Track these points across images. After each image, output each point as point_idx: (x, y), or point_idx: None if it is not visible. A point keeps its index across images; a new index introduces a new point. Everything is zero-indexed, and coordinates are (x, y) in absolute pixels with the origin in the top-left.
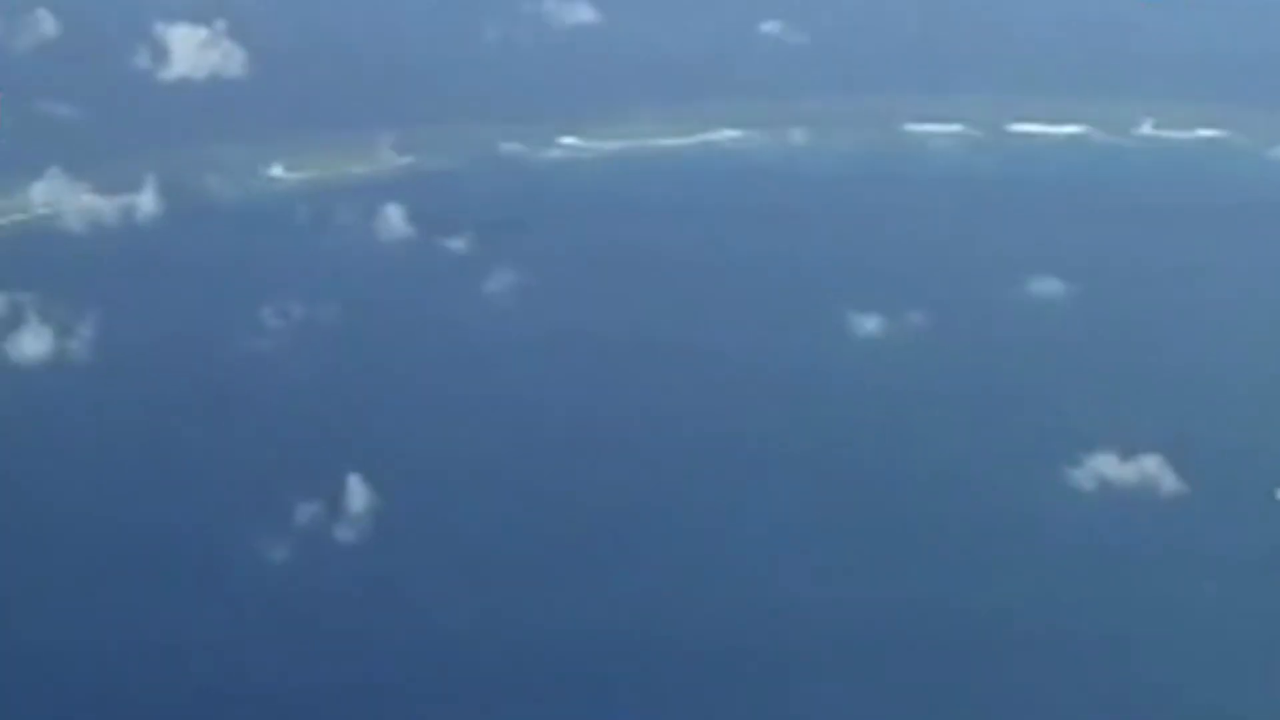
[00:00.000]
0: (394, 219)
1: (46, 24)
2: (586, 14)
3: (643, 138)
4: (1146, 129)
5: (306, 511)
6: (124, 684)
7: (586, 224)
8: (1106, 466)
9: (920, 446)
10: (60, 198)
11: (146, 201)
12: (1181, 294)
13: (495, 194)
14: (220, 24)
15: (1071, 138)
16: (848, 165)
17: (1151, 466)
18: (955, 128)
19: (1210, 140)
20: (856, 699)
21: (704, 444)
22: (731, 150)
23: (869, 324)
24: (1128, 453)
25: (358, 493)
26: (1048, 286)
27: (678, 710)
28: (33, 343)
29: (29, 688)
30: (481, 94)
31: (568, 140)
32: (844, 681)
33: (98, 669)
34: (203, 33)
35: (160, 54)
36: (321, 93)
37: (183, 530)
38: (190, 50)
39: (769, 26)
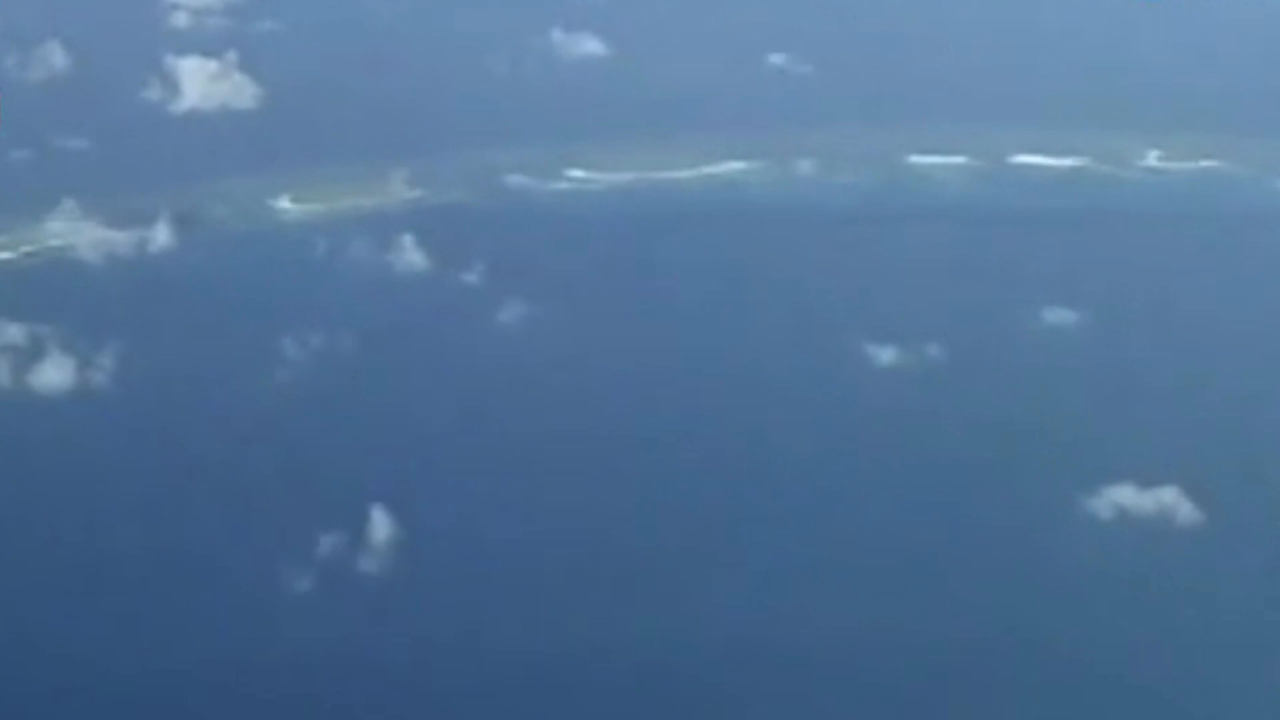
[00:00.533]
0: (407, 251)
1: (56, 57)
2: (594, 46)
3: (649, 170)
4: (1150, 160)
5: (329, 542)
6: (146, 715)
7: (595, 256)
8: (1124, 496)
9: (939, 476)
10: (75, 230)
11: (161, 233)
12: (1192, 324)
13: (504, 227)
14: (231, 56)
15: (1075, 170)
16: (853, 196)
17: (1169, 497)
18: (959, 160)
19: (1213, 171)
20: None
21: (722, 475)
22: (738, 182)
23: (885, 355)
24: (1145, 483)
25: (380, 523)
26: (1061, 317)
27: None
28: (55, 374)
29: (48, 717)
30: (489, 126)
31: (574, 172)
32: (859, 710)
33: (120, 699)
34: (213, 65)
35: (171, 86)
36: (330, 125)
37: (206, 561)
38: (201, 82)
39: (776, 58)
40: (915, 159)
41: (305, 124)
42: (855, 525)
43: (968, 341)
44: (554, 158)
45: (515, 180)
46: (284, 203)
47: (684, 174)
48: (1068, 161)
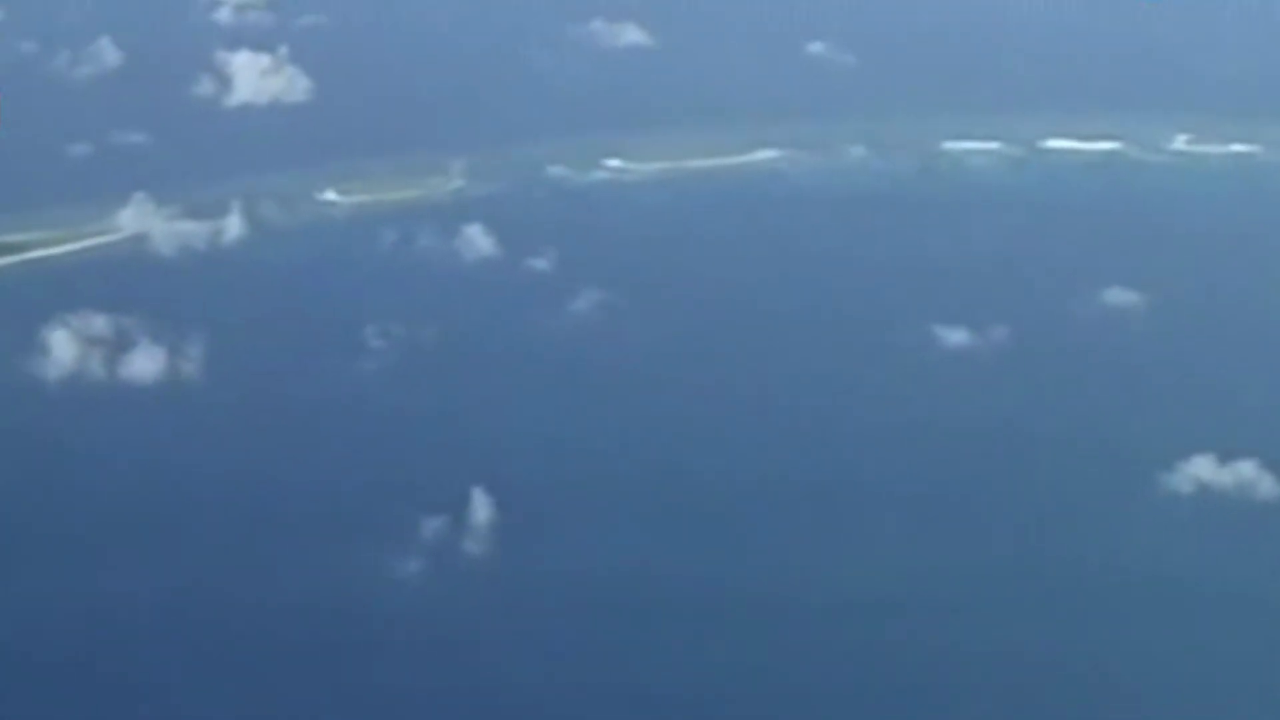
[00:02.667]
0: (475, 240)
1: (109, 54)
2: (635, 36)
3: (690, 158)
4: (1179, 145)
5: (432, 526)
6: (262, 698)
7: (655, 243)
8: (1204, 471)
9: (1019, 453)
10: (148, 222)
11: (233, 225)
12: (1249, 303)
13: (557, 216)
14: (283, 51)
15: (1106, 154)
16: (895, 183)
17: (1248, 470)
18: (992, 145)
19: (1245, 155)
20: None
21: (802, 453)
22: (778, 170)
23: (955, 337)
24: (1224, 457)
25: (481, 506)
26: (1121, 297)
27: None
28: (146, 364)
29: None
30: (531, 117)
31: (614, 162)
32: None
33: (232, 685)
34: (264, 60)
35: (223, 81)
36: (377, 119)
37: (313, 546)
38: (252, 77)
39: (815, 47)
40: (949, 145)
41: (354, 118)
42: (933, 504)
43: (1034, 323)
44: (596, 148)
45: (558, 170)
46: (344, 195)
47: (724, 162)
48: (1099, 146)
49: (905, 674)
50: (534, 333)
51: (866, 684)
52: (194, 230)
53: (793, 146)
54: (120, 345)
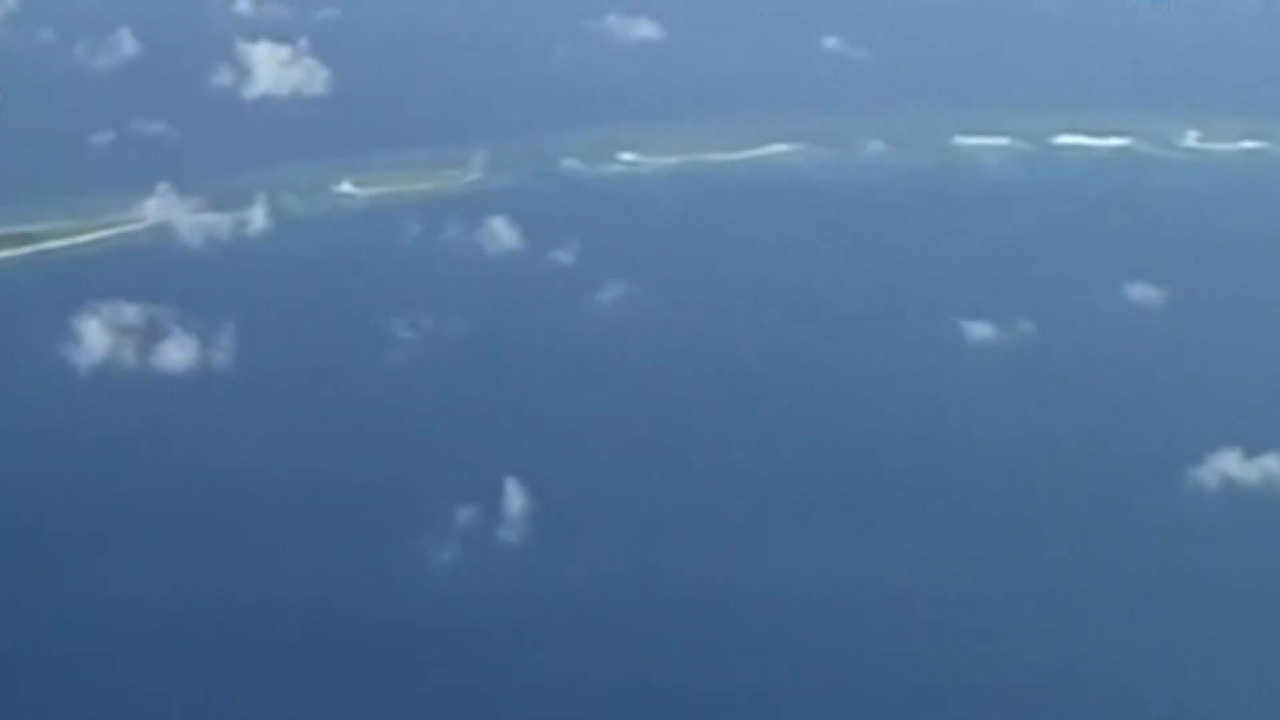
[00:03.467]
0: (500, 232)
1: (128, 44)
2: (649, 31)
3: (704, 152)
4: (1190, 141)
5: (466, 515)
6: (300, 686)
7: (676, 236)
8: (1230, 465)
9: (1045, 447)
10: (173, 213)
11: (258, 216)
12: (1265, 296)
13: (575, 209)
14: (303, 42)
15: (1117, 150)
16: (908, 177)
17: (1275, 465)
18: (1003, 141)
19: (1256, 152)
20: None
21: (823, 448)
22: (792, 164)
23: (979, 330)
24: (1250, 452)
25: (515, 495)
26: (1145, 293)
27: None
28: (178, 354)
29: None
30: (545, 111)
31: (628, 156)
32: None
33: (265, 673)
34: (284, 51)
35: (242, 72)
36: (395, 112)
37: (347, 536)
38: (272, 68)
39: (830, 42)
40: (960, 140)
41: (372, 110)
42: (960, 499)
43: (1058, 317)
44: (609, 141)
45: (571, 164)
46: (360, 187)
47: (740, 156)
48: (1110, 142)
49: (932, 674)
50: (561, 324)
51: (892, 684)
52: (218, 221)
53: (807, 141)
54: (152, 335)
